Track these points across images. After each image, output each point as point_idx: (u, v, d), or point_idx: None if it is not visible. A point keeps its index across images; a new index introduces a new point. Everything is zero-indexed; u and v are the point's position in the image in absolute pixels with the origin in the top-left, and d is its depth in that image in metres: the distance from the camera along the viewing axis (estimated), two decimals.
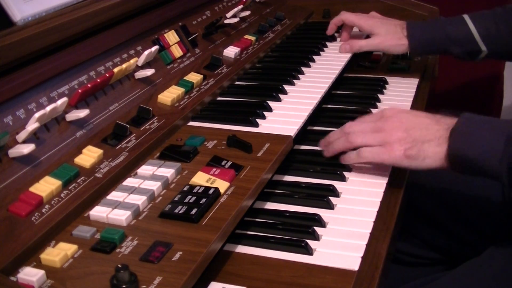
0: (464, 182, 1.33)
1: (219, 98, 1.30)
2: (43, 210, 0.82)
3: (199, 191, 0.91)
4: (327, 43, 1.64)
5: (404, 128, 1.03)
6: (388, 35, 1.49)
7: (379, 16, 1.57)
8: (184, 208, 0.86)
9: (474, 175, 0.99)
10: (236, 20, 1.50)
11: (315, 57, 1.54)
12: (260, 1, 1.74)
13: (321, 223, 0.97)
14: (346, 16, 1.59)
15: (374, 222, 0.97)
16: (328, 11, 1.90)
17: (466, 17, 1.43)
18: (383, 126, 1.06)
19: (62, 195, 0.86)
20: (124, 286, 0.70)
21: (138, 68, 1.18)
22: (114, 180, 0.93)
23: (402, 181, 1.12)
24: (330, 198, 1.03)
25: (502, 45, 1.42)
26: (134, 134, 1.04)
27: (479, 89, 2.15)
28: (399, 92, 1.49)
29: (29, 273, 0.72)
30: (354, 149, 1.09)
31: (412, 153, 1.01)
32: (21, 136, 0.88)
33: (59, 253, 0.76)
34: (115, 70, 1.07)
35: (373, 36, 1.52)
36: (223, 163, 1.00)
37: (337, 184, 1.07)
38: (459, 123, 0.99)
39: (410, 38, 1.47)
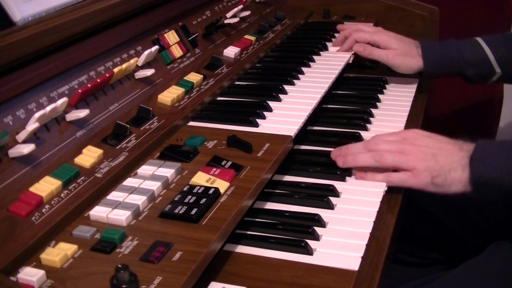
0: None
1: (219, 98, 1.30)
2: (43, 210, 0.82)
3: (199, 191, 0.91)
4: (327, 43, 1.64)
5: (431, 154, 1.06)
6: (402, 51, 1.47)
7: (392, 34, 1.54)
8: (184, 208, 0.86)
9: (496, 194, 1.06)
10: (236, 20, 1.50)
11: (315, 57, 1.54)
12: (260, 1, 1.74)
13: (321, 223, 0.97)
14: (358, 36, 1.55)
15: (374, 222, 0.97)
16: (328, 11, 1.90)
17: (479, 40, 1.44)
18: (410, 150, 1.08)
19: (62, 195, 0.86)
20: (124, 286, 0.70)
21: (138, 68, 1.18)
22: (114, 180, 0.93)
23: None
24: (330, 198, 1.03)
25: None
26: (134, 134, 1.04)
27: (479, 89, 2.15)
28: (399, 92, 1.49)
29: (29, 273, 0.72)
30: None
31: (440, 181, 1.05)
32: (21, 136, 0.88)
33: (59, 253, 0.76)
34: (115, 70, 1.07)
35: (387, 50, 1.49)
36: (223, 163, 1.00)
37: (337, 184, 1.07)
38: (476, 149, 1.04)
39: (425, 58, 1.45)
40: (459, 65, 1.43)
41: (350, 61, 1.56)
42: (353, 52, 1.56)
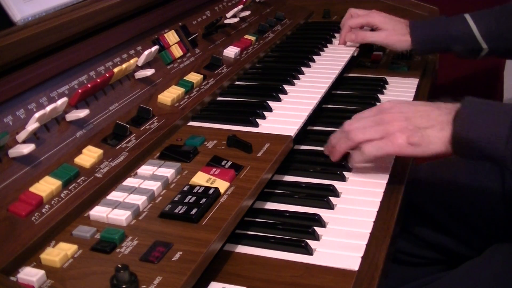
0: (464, 181, 1.33)
1: (219, 98, 1.30)
2: (43, 210, 0.82)
3: (199, 191, 0.91)
4: (327, 43, 1.64)
5: (404, 117, 1.03)
6: (394, 31, 1.53)
7: (385, 14, 1.59)
8: (184, 208, 0.86)
9: (478, 159, 0.99)
10: (236, 20, 1.50)
11: (315, 57, 1.54)
12: (260, 1, 1.74)
13: (321, 223, 0.97)
14: (352, 22, 1.61)
15: (374, 222, 0.97)
16: (328, 11, 1.90)
17: (467, 16, 1.46)
18: (382, 118, 1.05)
19: (62, 195, 0.86)
20: (124, 286, 0.70)
21: (138, 68, 1.18)
22: (114, 180, 0.93)
23: (402, 181, 1.12)
24: (330, 198, 1.03)
25: (503, 42, 1.44)
26: (134, 134, 1.04)
27: (479, 89, 2.15)
28: (399, 92, 1.49)
29: (29, 273, 0.72)
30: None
31: (415, 140, 1.01)
32: (21, 136, 0.88)
33: (59, 253, 0.76)
34: (115, 70, 1.07)
35: (379, 31, 1.56)
36: (223, 163, 1.00)
37: (337, 184, 1.07)
38: (463, 107, 0.99)
39: (413, 36, 1.50)
40: (446, 41, 1.47)
41: (356, 54, 1.59)
42: (353, 52, 1.56)
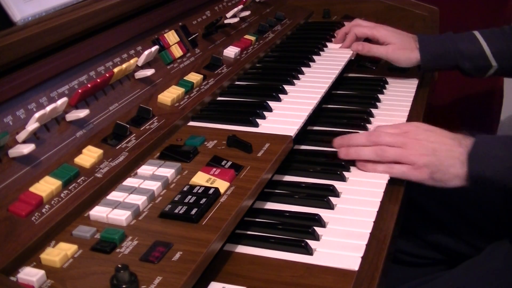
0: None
1: (219, 98, 1.30)
2: (43, 210, 0.82)
3: (199, 191, 0.91)
4: (327, 43, 1.64)
5: (431, 149, 1.08)
6: (400, 45, 1.49)
7: (391, 28, 1.55)
8: (184, 208, 0.86)
9: (495, 193, 1.08)
10: (236, 20, 1.50)
11: (315, 57, 1.54)
12: (260, 1, 1.74)
13: (321, 223, 0.97)
14: (358, 30, 1.57)
15: (374, 222, 0.97)
16: (328, 11, 1.90)
17: (476, 33, 1.45)
18: (412, 145, 1.09)
19: (62, 195, 0.86)
20: (124, 286, 0.70)
21: (138, 68, 1.18)
22: (114, 180, 0.93)
23: (402, 181, 1.12)
24: (330, 198, 1.03)
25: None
26: (134, 134, 1.04)
27: (479, 89, 2.15)
28: (399, 92, 1.49)
29: (29, 273, 0.72)
30: None
31: (438, 177, 1.07)
32: (21, 136, 0.88)
33: (59, 253, 0.76)
34: (115, 70, 1.07)
35: (388, 45, 1.51)
36: (223, 163, 1.00)
37: (337, 184, 1.07)
38: (475, 146, 1.06)
39: (422, 52, 1.47)
40: (455, 58, 1.45)
41: (353, 58, 1.57)
42: (352, 52, 1.56)
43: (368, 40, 1.59)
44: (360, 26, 1.58)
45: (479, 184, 1.05)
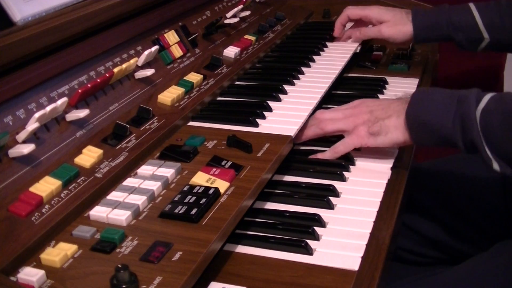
0: (465, 179, 1.33)
1: (219, 98, 1.30)
2: (43, 210, 0.82)
3: (199, 191, 0.91)
4: (327, 43, 1.64)
5: (369, 110, 1.11)
6: (393, 21, 1.53)
7: (383, 7, 1.59)
8: (184, 208, 0.86)
9: (433, 143, 1.04)
10: (236, 20, 1.50)
11: (315, 57, 1.54)
12: (260, 1, 1.74)
13: (321, 223, 0.97)
14: (350, 11, 1.61)
15: (374, 222, 0.97)
16: (328, 11, 1.90)
17: (471, 5, 1.47)
18: (352, 112, 1.13)
19: (62, 195, 0.86)
20: (124, 286, 0.70)
21: (138, 68, 1.18)
22: (114, 180, 0.93)
23: (402, 181, 1.12)
24: (330, 198, 1.03)
25: (505, 35, 1.45)
26: (134, 134, 1.04)
27: (481, 80, 2.15)
28: (399, 92, 1.48)
29: (29, 273, 0.72)
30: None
31: (375, 130, 1.09)
32: (21, 136, 0.88)
33: (59, 253, 0.76)
34: (115, 70, 1.07)
35: (381, 24, 1.55)
36: (223, 163, 1.00)
37: (337, 184, 1.07)
38: (414, 94, 1.07)
39: (414, 23, 1.50)
40: (448, 29, 1.47)
41: (358, 51, 1.60)
42: (352, 52, 1.56)
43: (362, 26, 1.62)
44: (352, 8, 1.61)
45: (416, 132, 1.04)
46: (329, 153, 1.14)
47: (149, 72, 1.17)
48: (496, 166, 0.97)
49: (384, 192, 1.06)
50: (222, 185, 0.93)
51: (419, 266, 1.42)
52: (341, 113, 1.15)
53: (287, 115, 1.20)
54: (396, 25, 1.52)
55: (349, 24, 1.69)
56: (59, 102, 0.93)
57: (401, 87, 1.52)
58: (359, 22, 1.65)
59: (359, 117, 1.11)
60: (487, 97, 1.00)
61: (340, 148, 1.13)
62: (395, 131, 1.08)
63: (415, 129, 1.05)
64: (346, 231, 0.95)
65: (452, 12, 1.47)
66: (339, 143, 1.13)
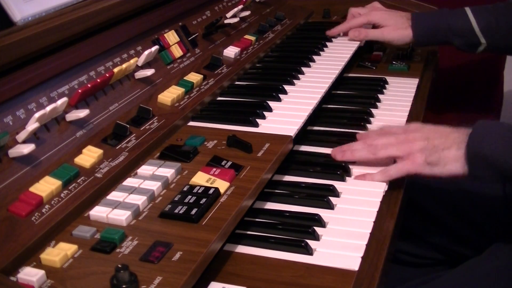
0: (465, 181, 1.33)
1: (219, 98, 1.30)
2: (43, 210, 0.82)
3: (199, 191, 0.91)
4: (327, 43, 1.64)
5: (425, 137, 1.07)
6: (395, 26, 1.56)
7: (385, 8, 1.63)
8: (184, 208, 0.86)
9: (493, 177, 1.02)
10: (236, 20, 1.50)
11: (315, 57, 1.54)
12: (260, 1, 1.74)
13: (321, 223, 0.97)
14: (354, 23, 1.64)
15: (374, 222, 0.97)
16: (328, 11, 1.90)
17: (467, 10, 1.48)
18: (406, 138, 1.09)
19: (62, 195, 0.86)
20: (124, 286, 0.70)
21: (138, 68, 1.18)
22: (114, 180, 0.93)
23: (402, 181, 1.12)
24: (330, 198, 1.03)
25: (501, 39, 1.47)
26: (134, 134, 1.04)
27: (479, 89, 2.15)
28: (399, 92, 1.49)
29: (29, 273, 0.72)
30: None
31: (433, 160, 1.05)
32: (21, 136, 0.88)
33: (59, 253, 0.76)
34: (115, 70, 1.07)
35: (381, 28, 1.58)
36: (223, 163, 1.00)
37: (337, 184, 1.07)
38: (475, 126, 1.03)
39: (414, 28, 1.53)
40: (446, 34, 1.50)
41: (362, 44, 1.62)
42: (352, 53, 1.57)
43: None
44: (356, 17, 1.65)
45: (476, 166, 1.02)
46: (380, 176, 1.09)
47: (149, 72, 1.17)
48: None
49: (384, 192, 1.06)
50: (222, 185, 0.93)
51: (418, 268, 1.42)
52: (394, 138, 1.10)
53: (287, 115, 1.20)
54: (398, 29, 1.55)
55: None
56: (59, 102, 0.93)
57: (401, 87, 1.52)
58: None
59: (415, 144, 1.06)
60: None
61: (393, 172, 1.08)
62: (453, 163, 1.04)
63: (476, 162, 1.02)
64: (346, 231, 0.95)
65: (450, 18, 1.49)
66: (393, 167, 1.08)
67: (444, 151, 1.04)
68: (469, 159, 1.02)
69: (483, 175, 1.03)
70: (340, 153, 1.13)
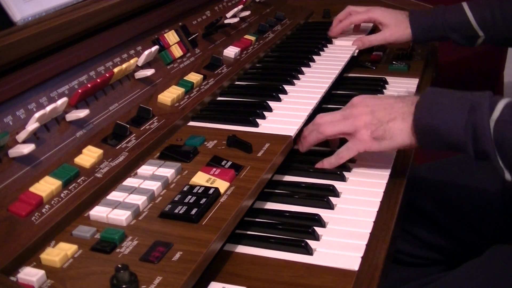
0: (464, 181, 1.33)
1: (219, 98, 1.30)
2: (43, 210, 0.82)
3: (199, 191, 0.91)
4: (327, 43, 1.64)
5: (370, 111, 1.05)
6: (395, 26, 1.57)
7: (384, 8, 1.63)
8: (184, 208, 0.86)
9: (441, 148, 1.00)
10: (236, 20, 1.50)
11: (315, 57, 1.54)
12: (260, 1, 1.74)
13: (321, 223, 0.97)
14: (355, 18, 1.65)
15: (374, 222, 0.97)
16: (328, 11, 1.90)
17: (464, 4, 1.50)
18: (351, 112, 1.08)
19: (62, 195, 0.86)
20: (124, 286, 0.70)
21: (138, 68, 1.18)
22: (114, 180, 0.93)
23: (402, 181, 1.12)
24: (330, 198, 1.03)
25: (498, 31, 1.48)
26: (134, 134, 1.04)
27: (479, 89, 2.15)
28: (399, 92, 1.48)
29: (29, 273, 0.72)
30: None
31: (379, 134, 1.03)
32: (21, 136, 0.88)
33: (59, 253, 0.76)
34: (115, 70, 1.07)
35: (383, 29, 1.59)
36: (223, 163, 1.00)
37: (337, 184, 1.07)
38: (423, 96, 1.01)
39: (413, 25, 1.55)
40: (444, 29, 1.51)
41: (355, 54, 1.61)
42: (352, 52, 1.57)
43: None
44: (356, 13, 1.64)
45: (424, 137, 0.99)
46: (334, 159, 1.10)
47: (149, 72, 1.17)
48: (508, 176, 0.93)
49: (384, 192, 1.06)
50: (222, 185, 0.93)
51: (417, 268, 1.42)
52: (339, 114, 1.09)
53: (287, 115, 1.20)
54: (399, 29, 1.57)
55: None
56: (59, 102, 0.93)
57: (401, 87, 1.52)
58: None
59: (360, 118, 1.05)
60: (501, 104, 0.94)
61: (344, 153, 1.09)
62: (400, 134, 1.02)
63: (423, 134, 0.99)
64: (346, 231, 0.95)
65: (447, 13, 1.51)
66: (343, 148, 1.09)
67: (389, 123, 1.02)
68: (416, 130, 0.99)
69: (432, 146, 1.00)
70: (299, 145, 1.15)
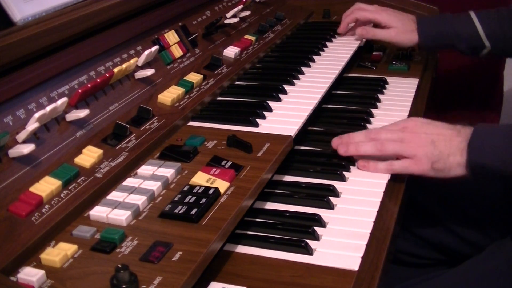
0: (467, 180, 1.33)
1: (219, 98, 1.30)
2: (43, 210, 0.82)
3: (199, 191, 0.91)
4: (327, 43, 1.64)
5: (430, 141, 1.08)
6: (402, 28, 1.57)
7: (391, 10, 1.63)
8: (184, 208, 0.86)
9: (495, 179, 1.07)
10: (236, 20, 1.50)
11: (315, 57, 1.54)
12: (260, 1, 1.74)
13: (321, 223, 0.97)
14: (360, 15, 1.64)
15: (374, 222, 0.97)
16: (328, 11, 1.90)
17: (472, 15, 1.50)
18: (410, 138, 1.09)
19: (62, 195, 0.86)
20: (124, 286, 0.70)
21: (138, 68, 1.18)
22: (114, 180, 0.93)
23: (402, 181, 1.12)
24: (330, 198, 1.03)
25: (505, 42, 1.48)
26: (134, 134, 1.04)
27: (479, 89, 2.15)
28: (399, 92, 1.49)
29: (29, 273, 0.72)
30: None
31: (439, 167, 1.07)
32: (21, 136, 0.88)
33: (59, 253, 0.76)
34: (115, 70, 1.07)
35: (389, 29, 1.59)
36: (223, 163, 1.00)
37: (337, 184, 1.07)
38: (473, 135, 1.05)
39: (421, 32, 1.55)
40: (452, 38, 1.52)
41: (362, 44, 1.62)
42: (351, 52, 1.57)
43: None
44: (363, 10, 1.64)
45: (478, 173, 1.05)
46: (383, 166, 1.11)
47: (149, 72, 1.17)
48: None
49: (384, 192, 1.06)
50: (222, 185, 0.93)
51: (418, 268, 1.42)
52: (397, 135, 1.10)
53: (287, 115, 1.20)
54: (404, 33, 1.57)
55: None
56: (59, 102, 0.93)
57: (401, 87, 1.52)
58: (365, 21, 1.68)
59: (422, 147, 1.08)
60: None
61: (398, 169, 1.10)
62: (458, 169, 1.06)
63: (477, 170, 1.05)
64: (346, 231, 0.95)
65: (455, 22, 1.51)
66: (398, 163, 1.10)
67: (450, 158, 1.06)
68: (470, 166, 1.04)
69: (484, 177, 1.07)
70: (343, 147, 1.13)
